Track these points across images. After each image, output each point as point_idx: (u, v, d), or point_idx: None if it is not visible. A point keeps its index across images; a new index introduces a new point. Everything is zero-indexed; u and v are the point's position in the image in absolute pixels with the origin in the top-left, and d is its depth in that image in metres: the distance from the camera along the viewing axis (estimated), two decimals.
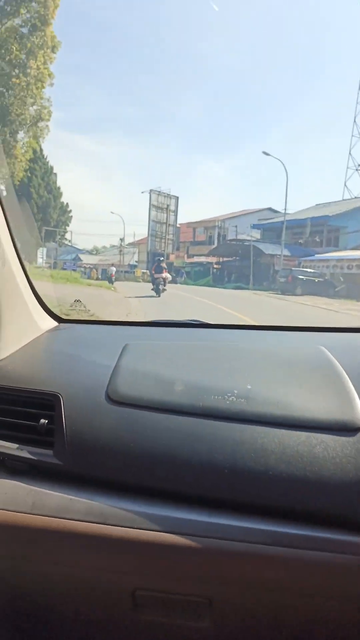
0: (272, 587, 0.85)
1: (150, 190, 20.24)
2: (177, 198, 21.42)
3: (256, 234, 20.42)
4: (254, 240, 18.36)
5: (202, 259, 20.64)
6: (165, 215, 20.66)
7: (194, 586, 0.89)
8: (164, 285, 10.65)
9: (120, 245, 24.03)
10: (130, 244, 25.40)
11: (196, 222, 24.06)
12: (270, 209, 22.36)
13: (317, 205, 20.27)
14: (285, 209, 17.17)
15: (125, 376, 1.06)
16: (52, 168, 19.81)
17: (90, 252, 29.42)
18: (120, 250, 23.57)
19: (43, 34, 13.85)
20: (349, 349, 1.22)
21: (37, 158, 18.80)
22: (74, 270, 18.58)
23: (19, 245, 1.26)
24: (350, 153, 23.06)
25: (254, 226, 20.71)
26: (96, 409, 0.99)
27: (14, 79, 13.77)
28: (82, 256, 26.09)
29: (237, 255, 18.32)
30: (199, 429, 0.92)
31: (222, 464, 0.86)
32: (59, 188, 20.17)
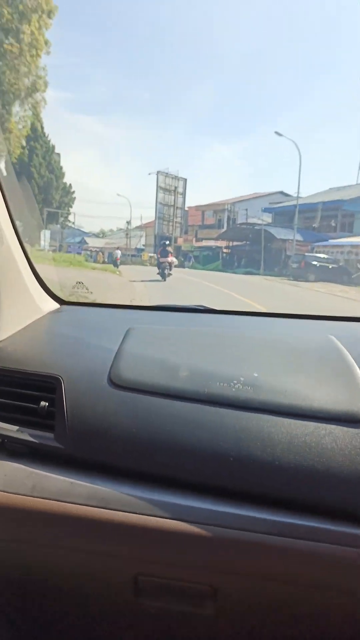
0: (277, 578, 0.84)
1: (158, 172, 19.82)
2: (185, 180, 20.97)
3: (267, 218, 19.93)
4: (265, 225, 17.92)
5: (211, 243, 20.18)
6: (172, 197, 20.24)
7: (197, 574, 0.88)
8: (170, 270, 10.43)
9: (127, 228, 23.60)
10: (137, 227, 25.05)
11: (205, 205, 23.52)
12: (281, 192, 21.89)
13: (330, 189, 19.68)
14: (298, 192, 16.69)
15: (128, 360, 1.04)
16: (53, 147, 18.99)
17: (96, 235, 29.06)
18: (127, 234, 23.15)
19: None
20: (358, 338, 1.19)
21: (38, 136, 18.10)
22: (78, 253, 18.14)
23: (19, 226, 1.24)
24: None
25: (265, 210, 20.15)
26: (98, 392, 0.97)
27: (5, 45, 12.54)
28: (88, 239, 25.67)
29: (247, 239, 17.96)
30: (203, 415, 0.90)
31: (227, 452, 0.85)
32: (61, 168, 19.35)
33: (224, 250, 19.39)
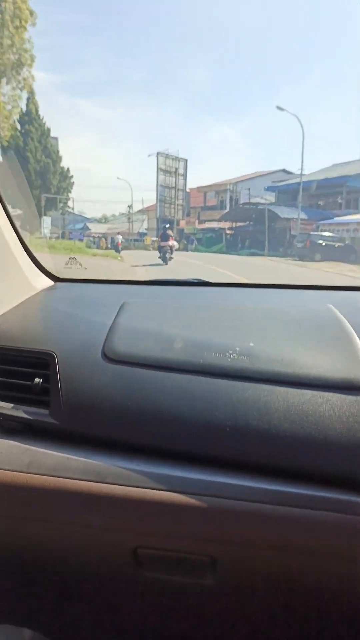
0: (275, 547, 0.83)
1: (158, 153, 19.27)
2: (185, 160, 20.41)
3: (270, 197, 19.56)
4: (268, 204, 17.61)
5: (214, 225, 19.74)
6: (174, 179, 19.78)
7: (196, 545, 0.87)
8: (171, 253, 10.22)
9: (129, 212, 23.24)
10: (139, 211, 24.72)
11: (207, 186, 23.00)
12: (284, 170, 21.30)
13: (334, 165, 19.20)
14: (301, 169, 16.29)
15: (122, 334, 1.04)
16: (49, 130, 18.25)
17: (99, 221, 28.74)
18: (129, 218, 22.80)
19: None
20: (358, 308, 1.18)
21: (33, 119, 17.50)
22: (80, 240, 17.92)
23: (7, 204, 1.24)
24: None
25: (268, 188, 19.72)
26: (92, 367, 0.97)
27: None
28: (90, 225, 25.44)
29: (250, 219, 17.56)
30: (199, 386, 0.90)
31: (223, 422, 0.84)
32: (58, 152, 18.69)
33: (227, 232, 18.98)
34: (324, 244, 12.81)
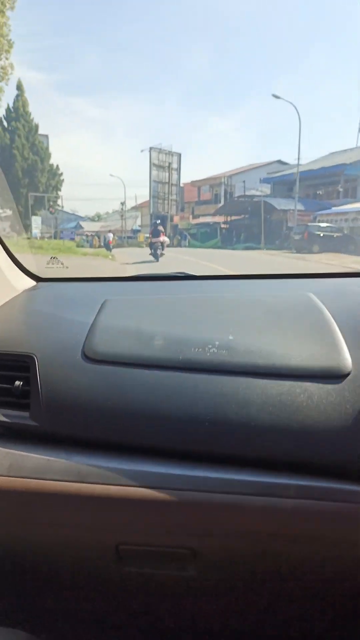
0: (254, 536, 0.85)
1: (150, 148, 18.98)
2: (179, 155, 20.11)
3: (266, 189, 19.28)
4: (264, 196, 17.29)
5: (209, 219, 19.55)
6: (167, 174, 19.46)
7: (176, 538, 0.89)
8: (162, 250, 10.18)
9: (122, 209, 22.90)
10: (132, 208, 24.46)
11: (201, 180, 22.76)
12: (279, 161, 21.26)
13: (331, 153, 18.92)
14: (298, 158, 15.94)
15: (101, 333, 1.03)
16: (37, 126, 17.91)
17: (92, 219, 28.50)
18: (122, 215, 22.48)
19: None
20: (339, 294, 1.18)
21: (20, 115, 17.13)
22: (71, 239, 17.58)
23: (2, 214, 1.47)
24: None
25: (264, 180, 19.42)
26: (72, 368, 0.97)
27: None
28: (83, 223, 25.40)
29: (246, 212, 17.35)
30: (178, 382, 0.90)
31: (202, 417, 0.86)
32: (46, 149, 18.26)
33: (222, 226, 18.75)
34: (322, 235, 12.48)
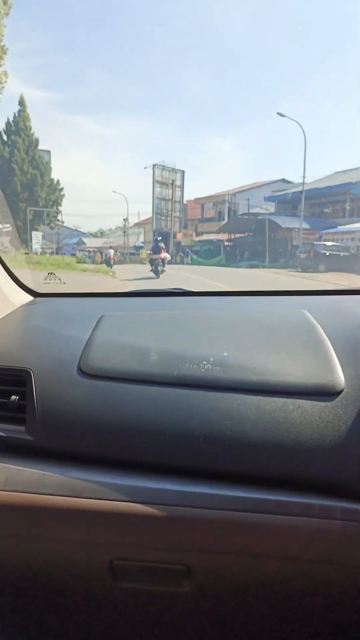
0: (249, 553, 0.84)
1: (154, 165, 18.88)
2: (182, 172, 20.01)
3: (270, 207, 19.18)
4: (268, 214, 17.09)
5: (212, 237, 19.35)
6: (170, 191, 19.34)
7: (171, 554, 0.88)
8: (163, 266, 9.89)
9: (124, 226, 22.77)
10: (136, 224, 24.34)
11: (204, 198, 22.65)
12: (283, 179, 21.16)
13: (336, 172, 18.77)
14: (303, 177, 15.74)
15: (98, 348, 1.04)
16: (37, 140, 17.71)
17: (94, 235, 28.40)
18: (125, 232, 22.34)
19: None
20: (333, 312, 1.19)
21: (20, 129, 16.98)
22: (72, 255, 17.40)
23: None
24: None
25: (268, 198, 19.34)
26: (68, 383, 0.98)
27: None
28: (85, 239, 25.30)
29: (250, 230, 17.11)
30: (173, 398, 0.91)
31: (197, 433, 0.85)
32: (47, 163, 18.03)
33: (226, 244, 18.52)
34: (328, 253, 12.23)
